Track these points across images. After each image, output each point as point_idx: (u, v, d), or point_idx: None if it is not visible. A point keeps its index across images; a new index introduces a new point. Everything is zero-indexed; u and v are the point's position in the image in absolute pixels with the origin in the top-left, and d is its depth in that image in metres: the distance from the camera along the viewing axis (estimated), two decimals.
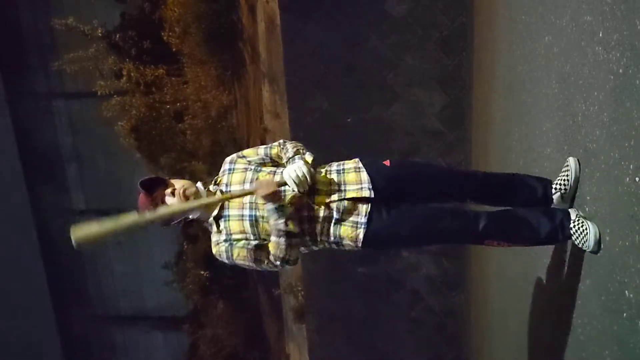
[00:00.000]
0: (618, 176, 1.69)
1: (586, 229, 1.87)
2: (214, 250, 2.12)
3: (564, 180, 2.10)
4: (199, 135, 5.79)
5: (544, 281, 2.57)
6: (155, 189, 2.05)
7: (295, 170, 1.97)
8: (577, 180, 2.05)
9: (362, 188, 2.02)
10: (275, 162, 2.14)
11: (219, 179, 2.15)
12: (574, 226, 1.92)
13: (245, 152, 2.18)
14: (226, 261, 2.09)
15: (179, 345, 7.83)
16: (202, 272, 6.55)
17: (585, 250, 1.90)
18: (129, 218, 1.87)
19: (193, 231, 6.71)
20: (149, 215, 1.95)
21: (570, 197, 2.10)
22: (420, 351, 5.92)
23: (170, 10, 5.72)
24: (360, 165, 2.09)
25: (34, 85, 7.30)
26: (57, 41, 6.71)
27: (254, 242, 2.05)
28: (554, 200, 2.12)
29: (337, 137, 5.26)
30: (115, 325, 8.30)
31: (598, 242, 1.83)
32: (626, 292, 1.63)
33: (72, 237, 1.75)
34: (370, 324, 5.96)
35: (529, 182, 2.18)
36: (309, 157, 2.07)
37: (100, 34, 6.03)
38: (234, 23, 5.82)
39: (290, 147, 2.11)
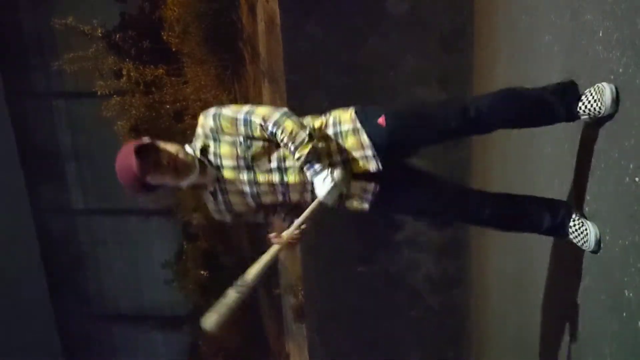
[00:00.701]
0: (618, 176, 1.69)
1: (586, 229, 1.86)
2: (214, 215, 2.04)
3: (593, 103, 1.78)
4: None
5: (544, 280, 2.57)
6: (146, 154, 1.80)
7: (330, 195, 1.82)
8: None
9: (366, 157, 1.88)
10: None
11: (201, 144, 1.91)
12: (574, 225, 1.91)
13: (224, 124, 1.87)
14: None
15: (179, 345, 7.83)
16: (202, 272, 6.55)
17: (585, 250, 1.90)
18: (234, 294, 1.92)
19: (193, 231, 6.72)
20: (250, 281, 1.91)
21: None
22: (420, 350, 5.92)
23: (170, 9, 5.72)
24: (358, 124, 1.89)
25: (34, 85, 7.31)
26: (57, 41, 6.71)
27: (261, 213, 2.02)
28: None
29: None
30: (115, 325, 8.30)
31: (598, 242, 1.83)
32: (626, 291, 1.63)
33: (207, 328, 1.88)
34: (370, 323, 5.96)
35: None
36: (336, 175, 1.84)
37: (100, 34, 6.02)
38: (234, 22, 5.82)
39: (288, 140, 1.82)
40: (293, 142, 1.82)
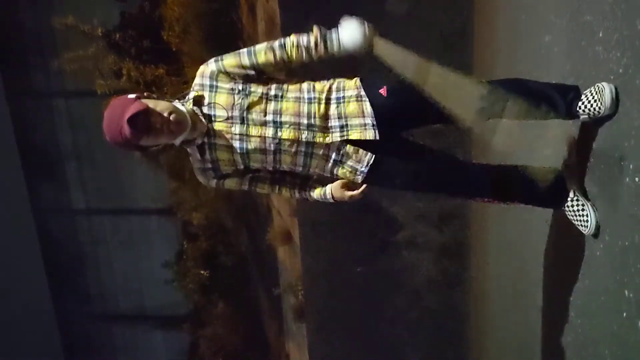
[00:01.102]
0: (618, 176, 1.69)
1: (587, 214, 1.84)
2: (198, 176, 1.96)
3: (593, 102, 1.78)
4: None
5: (544, 281, 2.57)
6: (137, 121, 1.70)
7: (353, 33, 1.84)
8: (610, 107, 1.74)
9: (365, 125, 1.85)
10: (264, 74, 1.87)
11: (197, 94, 1.85)
12: (575, 205, 1.88)
13: (227, 62, 1.83)
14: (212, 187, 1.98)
15: (179, 345, 7.83)
16: (202, 272, 6.56)
17: (584, 234, 1.89)
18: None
19: (193, 230, 6.72)
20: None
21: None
22: (419, 350, 5.91)
23: (170, 9, 5.72)
24: (362, 92, 1.87)
25: (34, 84, 7.31)
26: (57, 40, 6.71)
27: (248, 176, 1.93)
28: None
29: None
30: (116, 325, 8.30)
31: (598, 227, 1.82)
32: (626, 291, 1.63)
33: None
34: (370, 323, 5.96)
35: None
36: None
37: (100, 33, 6.02)
38: (234, 22, 5.82)
39: (298, 40, 1.83)
40: (302, 40, 1.83)
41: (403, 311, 5.82)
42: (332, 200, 1.94)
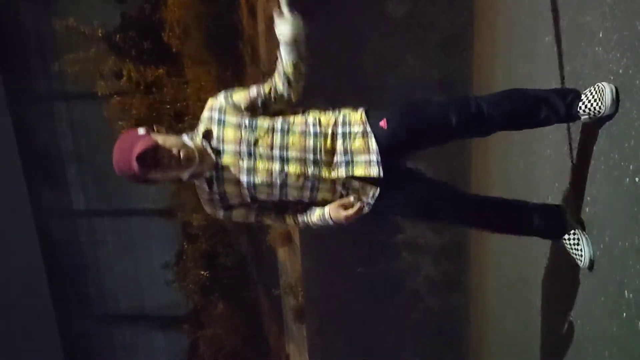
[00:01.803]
0: (618, 177, 1.69)
1: (582, 249, 1.89)
2: (205, 207, 1.98)
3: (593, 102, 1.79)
4: None
5: (543, 282, 2.57)
6: (146, 157, 1.74)
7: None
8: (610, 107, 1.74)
9: (370, 162, 1.87)
10: (269, 107, 1.90)
11: (204, 128, 1.87)
12: (571, 238, 1.94)
13: (236, 96, 1.88)
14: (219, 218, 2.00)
15: (179, 345, 7.83)
16: (202, 272, 6.56)
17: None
18: None
19: (193, 231, 6.72)
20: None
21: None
22: (419, 351, 5.91)
23: (171, 11, 5.73)
24: (368, 128, 1.88)
25: (35, 86, 7.31)
26: (58, 42, 6.72)
27: (254, 207, 1.95)
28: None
29: None
30: (116, 325, 8.30)
31: (592, 263, 1.87)
32: (626, 292, 1.63)
33: None
34: (370, 324, 5.95)
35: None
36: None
37: (100, 35, 6.04)
38: (234, 24, 5.83)
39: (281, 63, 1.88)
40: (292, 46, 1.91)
41: (403, 312, 5.82)
42: (331, 222, 1.96)
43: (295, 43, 1.89)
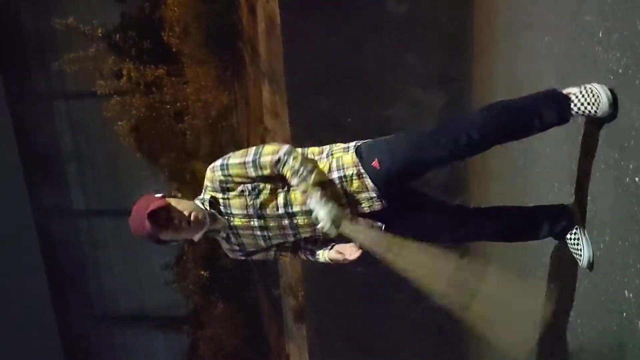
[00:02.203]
0: (618, 176, 1.68)
1: (581, 249, 1.92)
2: (229, 254, 2.10)
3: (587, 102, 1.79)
4: (199, 136, 5.80)
5: (544, 281, 2.57)
6: (159, 216, 1.84)
7: (329, 215, 1.84)
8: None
9: (371, 199, 1.94)
10: (271, 178, 1.94)
11: (211, 196, 1.95)
12: (572, 238, 1.96)
13: (233, 172, 1.89)
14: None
15: (179, 345, 7.82)
16: (202, 272, 6.55)
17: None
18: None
19: None
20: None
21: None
22: (419, 351, 5.91)
23: (171, 10, 5.72)
24: (362, 169, 1.92)
25: (34, 85, 7.31)
26: (57, 41, 6.71)
27: (272, 251, 2.07)
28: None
29: (337, 137, 5.25)
30: (116, 326, 8.29)
31: (591, 264, 1.89)
32: (626, 292, 1.63)
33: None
34: (370, 324, 5.95)
35: None
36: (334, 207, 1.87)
37: (100, 34, 6.03)
38: (234, 23, 5.82)
39: (292, 174, 1.85)
40: (298, 175, 1.85)
41: (403, 311, 5.81)
42: (333, 263, 2.08)
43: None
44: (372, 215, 1.98)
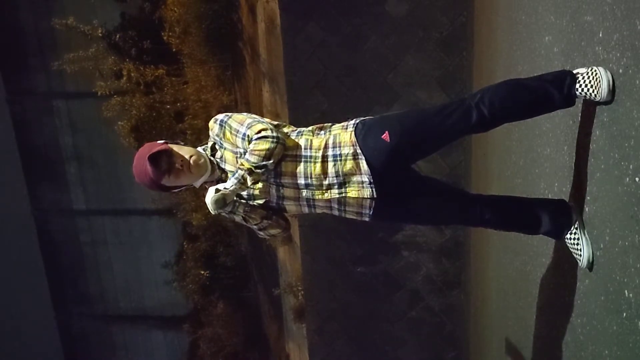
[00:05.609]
0: (618, 176, 1.69)
1: (581, 249, 1.91)
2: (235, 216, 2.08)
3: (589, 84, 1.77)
4: (199, 135, 5.79)
5: (543, 281, 2.57)
6: (160, 160, 1.88)
7: (212, 196, 1.84)
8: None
9: (362, 183, 1.90)
10: None
11: (213, 143, 2.05)
12: (572, 237, 1.95)
13: (227, 132, 1.98)
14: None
15: (178, 345, 7.83)
16: (202, 272, 6.56)
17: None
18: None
19: (193, 231, 6.72)
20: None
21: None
22: (419, 351, 5.92)
23: (170, 10, 5.72)
24: (359, 149, 1.89)
25: (34, 85, 7.31)
26: (57, 41, 6.72)
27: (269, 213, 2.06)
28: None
29: None
30: (115, 325, 8.30)
31: (591, 264, 1.88)
32: (626, 292, 1.63)
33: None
34: (370, 323, 5.96)
35: None
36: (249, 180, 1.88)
37: (100, 34, 6.03)
38: (234, 23, 5.82)
39: (253, 156, 1.87)
40: (252, 162, 1.88)
41: (403, 311, 5.82)
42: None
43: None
44: (360, 204, 1.95)
